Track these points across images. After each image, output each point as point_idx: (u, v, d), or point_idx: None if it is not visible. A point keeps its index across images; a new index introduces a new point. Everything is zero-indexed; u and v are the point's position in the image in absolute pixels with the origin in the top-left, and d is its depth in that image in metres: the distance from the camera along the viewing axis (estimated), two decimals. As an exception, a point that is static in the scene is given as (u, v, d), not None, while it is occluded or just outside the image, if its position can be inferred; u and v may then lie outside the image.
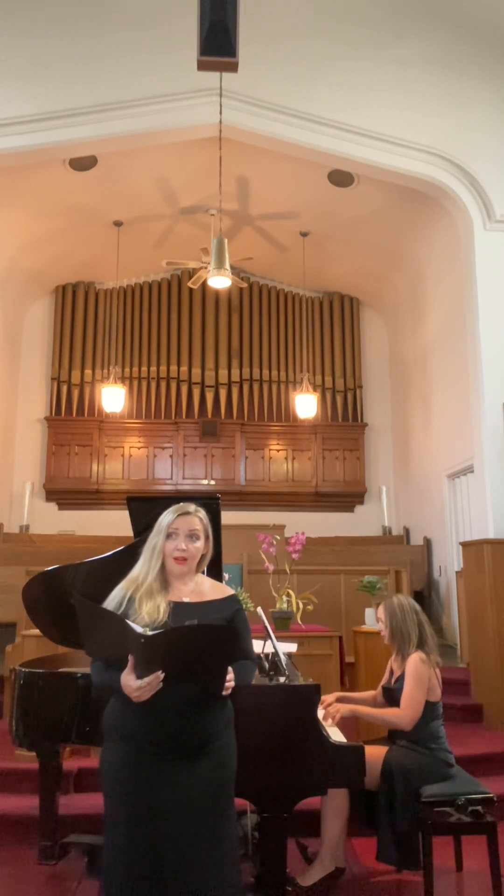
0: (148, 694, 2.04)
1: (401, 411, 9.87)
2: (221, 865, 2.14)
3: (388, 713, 3.20)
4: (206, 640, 2.06)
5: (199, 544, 2.32)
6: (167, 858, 2.08)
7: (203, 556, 2.37)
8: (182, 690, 2.12)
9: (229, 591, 2.44)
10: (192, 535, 2.31)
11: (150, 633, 2.07)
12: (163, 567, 2.30)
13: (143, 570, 2.30)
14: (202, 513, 2.37)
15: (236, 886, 2.20)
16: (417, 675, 3.12)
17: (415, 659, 3.16)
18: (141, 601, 2.23)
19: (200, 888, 2.09)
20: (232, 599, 2.39)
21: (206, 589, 2.37)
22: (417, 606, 3.34)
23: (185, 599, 2.30)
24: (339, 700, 3.29)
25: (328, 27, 6.43)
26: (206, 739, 2.17)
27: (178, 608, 2.25)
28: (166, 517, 2.33)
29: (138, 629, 2.07)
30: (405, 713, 3.12)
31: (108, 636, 2.10)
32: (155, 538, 2.32)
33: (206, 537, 2.36)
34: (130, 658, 2.03)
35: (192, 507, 2.36)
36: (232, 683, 2.14)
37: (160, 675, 2.02)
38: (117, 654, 2.07)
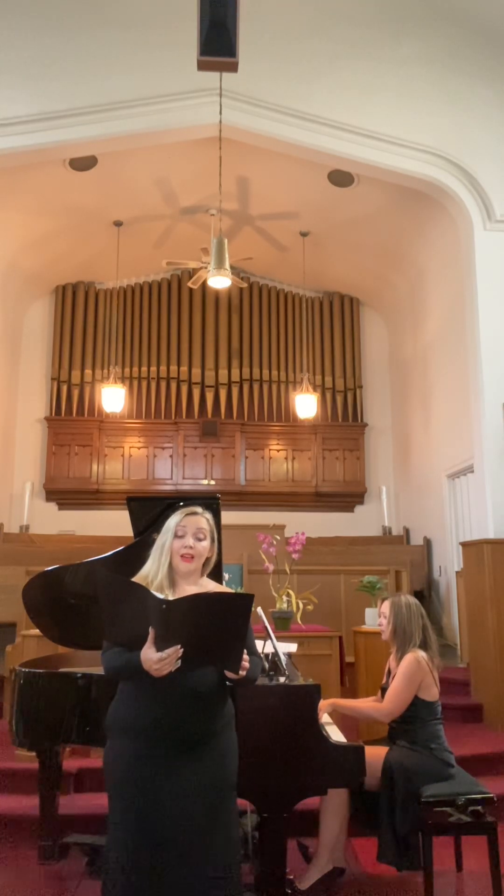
0: (167, 668, 2.07)
1: (401, 411, 9.87)
2: (223, 863, 2.16)
3: (368, 706, 3.21)
4: (224, 607, 2.11)
5: (206, 544, 2.39)
6: (170, 856, 2.10)
7: (208, 560, 2.42)
8: (188, 683, 2.15)
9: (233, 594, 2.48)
10: (199, 535, 2.37)
11: (171, 598, 2.14)
12: (170, 566, 2.36)
13: (152, 568, 2.37)
14: (209, 515, 2.44)
15: (237, 884, 2.22)
16: (409, 673, 3.12)
17: (409, 658, 3.15)
18: None
19: (202, 885, 2.11)
20: None
21: (212, 590, 2.41)
22: (423, 609, 3.33)
23: None
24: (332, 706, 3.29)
25: (328, 27, 6.43)
26: (209, 734, 2.21)
27: None
28: (174, 518, 2.40)
29: (160, 596, 2.12)
30: (385, 706, 3.13)
31: (129, 611, 2.13)
32: (163, 538, 2.39)
33: (213, 540, 2.42)
34: (151, 631, 2.08)
35: (199, 509, 2.43)
36: (248, 664, 2.17)
37: (179, 649, 2.06)
38: (138, 632, 2.10)
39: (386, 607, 3.34)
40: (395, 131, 6.32)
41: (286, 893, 2.75)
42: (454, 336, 7.50)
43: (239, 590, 4.84)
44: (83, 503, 9.80)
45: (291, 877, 2.97)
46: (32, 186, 7.38)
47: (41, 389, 10.03)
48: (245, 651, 2.16)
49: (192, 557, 2.35)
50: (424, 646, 3.22)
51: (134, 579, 2.35)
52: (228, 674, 2.17)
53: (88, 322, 10.11)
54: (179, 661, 2.08)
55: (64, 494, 9.79)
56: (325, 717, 3.13)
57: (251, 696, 2.65)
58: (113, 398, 8.92)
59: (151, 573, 2.36)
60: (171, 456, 9.91)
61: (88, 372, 9.93)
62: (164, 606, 2.05)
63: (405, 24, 6.49)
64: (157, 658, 2.06)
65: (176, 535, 2.37)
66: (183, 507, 2.44)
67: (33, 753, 3.50)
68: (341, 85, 6.34)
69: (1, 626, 6.00)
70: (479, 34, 6.49)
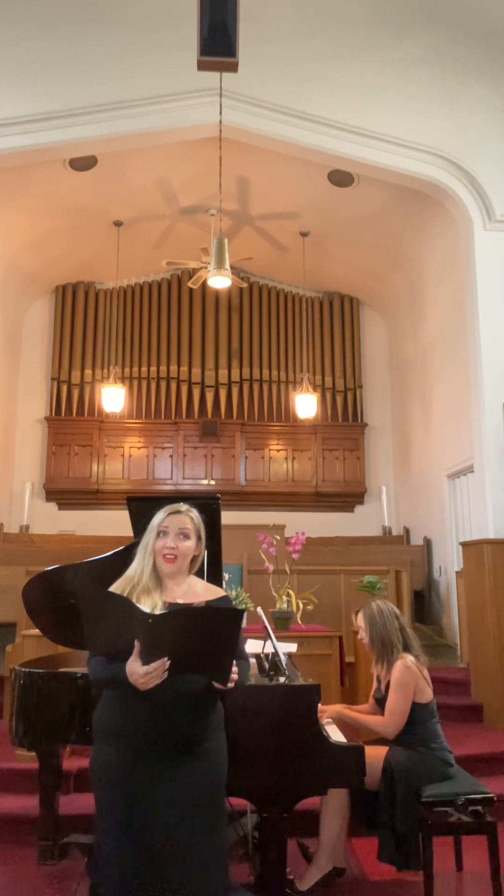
0: (154, 681, 2.02)
1: (401, 411, 9.87)
2: (212, 867, 2.12)
3: (373, 720, 3.19)
4: (212, 622, 2.05)
5: (190, 543, 2.32)
6: (160, 859, 2.07)
7: (195, 558, 2.36)
8: (178, 687, 2.10)
9: (221, 592, 2.44)
10: (182, 534, 2.30)
11: (157, 612, 2.06)
12: (155, 566, 2.30)
13: (137, 568, 2.31)
14: (194, 513, 2.37)
15: (224, 887, 2.19)
16: (402, 683, 3.10)
17: (399, 666, 3.13)
18: (139, 598, 2.23)
19: (191, 889, 2.07)
20: (225, 600, 2.40)
21: (200, 590, 2.37)
22: (397, 610, 3.30)
23: (179, 601, 2.29)
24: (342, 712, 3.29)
25: (328, 27, 6.43)
26: (198, 738, 2.17)
27: (173, 608, 2.22)
28: (158, 516, 2.33)
29: (146, 609, 2.06)
30: (389, 722, 3.11)
31: (113, 623, 2.07)
32: (147, 537, 2.33)
33: (199, 538, 2.35)
34: (137, 644, 2.02)
35: (183, 506, 2.36)
36: (236, 676, 2.12)
37: (166, 662, 2.00)
38: (121, 644, 2.05)
39: (360, 619, 3.32)
40: (395, 131, 6.32)
41: (286, 894, 2.75)
42: (454, 336, 7.50)
43: (239, 590, 4.83)
44: (83, 503, 9.80)
45: (291, 877, 2.97)
46: (32, 186, 7.38)
47: (41, 389, 10.03)
48: (234, 658, 2.10)
49: (175, 558, 2.28)
50: (407, 647, 3.21)
51: (120, 580, 2.30)
52: (216, 685, 2.12)
53: (88, 322, 10.11)
54: (166, 674, 2.03)
55: (64, 494, 9.79)
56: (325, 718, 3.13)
57: (251, 696, 2.65)
58: (113, 398, 8.92)
59: (137, 574, 2.29)
60: (171, 456, 9.91)
61: (88, 372, 9.93)
62: (149, 621, 1.99)
63: (405, 24, 6.49)
64: (142, 672, 2.01)
65: (158, 535, 2.30)
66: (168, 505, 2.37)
67: (33, 753, 3.50)
68: (341, 85, 6.34)
69: (1, 626, 6.00)
70: (480, 34, 6.49)
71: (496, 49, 6.52)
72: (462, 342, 6.81)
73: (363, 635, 3.31)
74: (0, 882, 3.27)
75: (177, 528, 2.30)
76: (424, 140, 6.32)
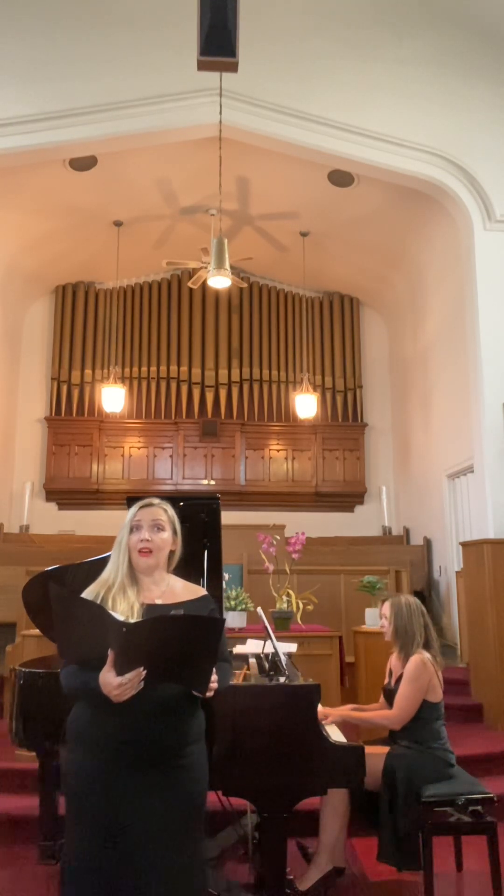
0: (129, 693, 1.92)
1: (401, 411, 9.87)
2: (189, 881, 2.04)
3: (378, 716, 3.20)
4: (190, 631, 1.96)
5: (166, 536, 2.24)
6: (135, 873, 1.98)
7: (172, 553, 2.29)
8: (155, 694, 2.00)
9: (202, 592, 2.35)
10: (156, 526, 2.23)
11: (132, 621, 1.98)
12: (131, 564, 2.22)
13: (112, 568, 2.23)
14: (168, 506, 2.31)
15: None
16: (416, 677, 3.11)
17: (416, 660, 3.14)
18: (115, 600, 2.14)
19: None
20: (205, 599, 2.30)
21: (179, 590, 2.28)
22: (423, 608, 3.32)
23: (158, 601, 2.20)
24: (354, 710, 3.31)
25: (328, 27, 6.43)
26: (177, 748, 2.06)
27: (151, 610, 2.13)
28: (130, 512, 2.27)
29: (119, 618, 1.98)
30: (396, 714, 3.12)
31: (84, 630, 1.99)
32: (121, 534, 2.26)
33: (174, 531, 2.28)
34: (110, 653, 1.92)
35: (156, 500, 2.31)
36: (216, 685, 2.05)
37: (142, 671, 1.91)
38: (94, 652, 1.96)
39: (386, 608, 3.33)
40: (395, 131, 6.32)
41: (286, 894, 2.74)
42: (454, 336, 7.50)
43: (239, 590, 4.83)
44: (83, 503, 9.80)
45: (291, 877, 2.97)
46: (32, 186, 7.38)
47: (41, 389, 10.03)
48: (214, 667, 2.01)
49: (150, 552, 2.20)
50: (427, 645, 3.22)
51: (94, 584, 2.21)
52: (195, 693, 2.04)
53: (88, 322, 10.11)
54: (142, 684, 1.93)
55: (64, 494, 9.79)
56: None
57: (251, 696, 2.65)
58: (113, 398, 8.92)
59: (112, 574, 2.20)
60: (171, 456, 9.91)
61: (88, 372, 9.94)
62: (123, 630, 1.89)
63: (405, 24, 6.49)
64: (116, 683, 1.90)
65: (131, 530, 2.23)
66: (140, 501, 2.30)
67: (33, 753, 3.50)
68: (341, 85, 6.34)
69: (1, 626, 6.00)
70: (479, 34, 6.50)
71: (496, 49, 6.52)
72: (462, 342, 6.81)
73: (385, 624, 3.31)
74: (0, 882, 3.27)
75: (150, 520, 2.23)
76: (424, 140, 6.33)
